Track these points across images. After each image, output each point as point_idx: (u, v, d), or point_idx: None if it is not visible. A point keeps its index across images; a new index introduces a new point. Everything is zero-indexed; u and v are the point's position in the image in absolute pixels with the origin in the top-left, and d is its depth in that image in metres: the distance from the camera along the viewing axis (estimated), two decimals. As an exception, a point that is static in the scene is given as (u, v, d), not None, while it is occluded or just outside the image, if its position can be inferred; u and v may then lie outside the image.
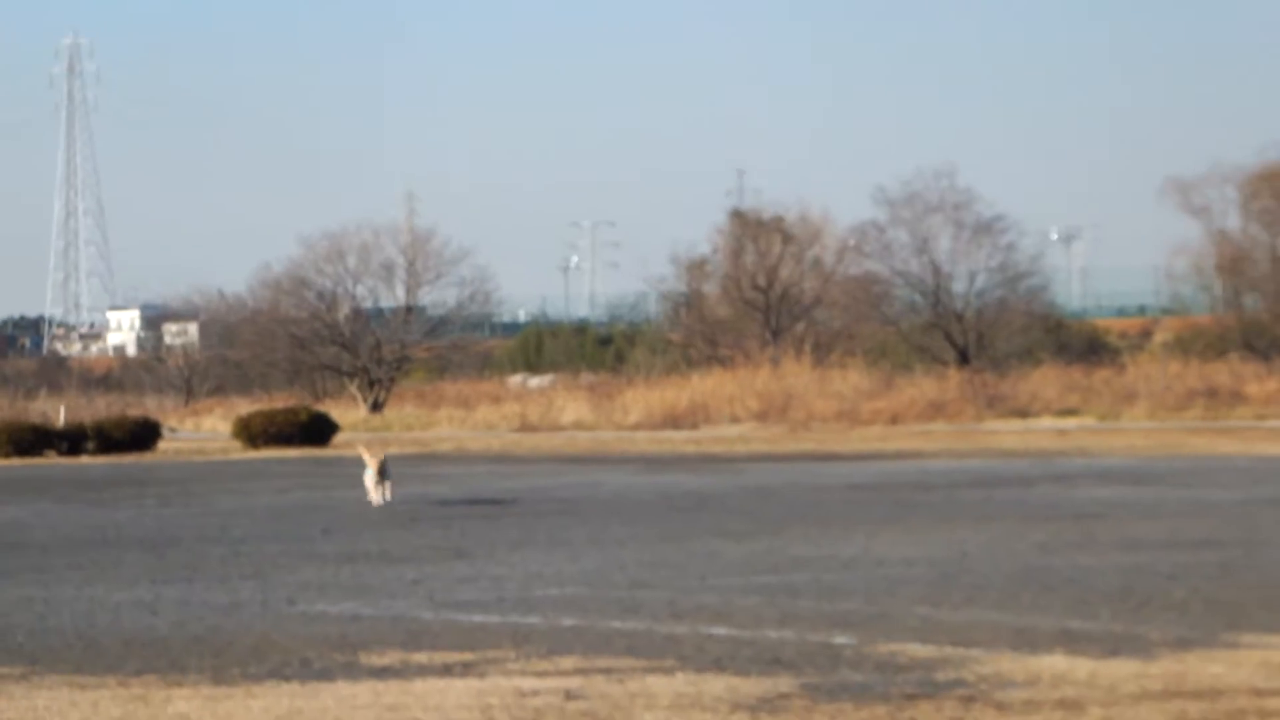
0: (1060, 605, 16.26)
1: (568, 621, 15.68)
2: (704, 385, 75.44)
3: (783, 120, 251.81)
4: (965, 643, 14.04)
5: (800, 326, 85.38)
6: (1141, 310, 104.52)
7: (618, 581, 18.84)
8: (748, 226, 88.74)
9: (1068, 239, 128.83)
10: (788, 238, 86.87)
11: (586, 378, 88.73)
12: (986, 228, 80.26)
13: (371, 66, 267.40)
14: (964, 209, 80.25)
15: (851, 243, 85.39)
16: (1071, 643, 13.92)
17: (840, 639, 14.36)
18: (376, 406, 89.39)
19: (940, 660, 13.20)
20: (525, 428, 74.11)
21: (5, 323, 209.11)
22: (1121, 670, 12.66)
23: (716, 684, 12.12)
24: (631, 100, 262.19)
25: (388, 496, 29.45)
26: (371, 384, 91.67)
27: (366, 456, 30.10)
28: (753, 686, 12.02)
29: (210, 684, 12.53)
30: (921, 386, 71.66)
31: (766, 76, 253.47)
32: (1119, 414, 64.64)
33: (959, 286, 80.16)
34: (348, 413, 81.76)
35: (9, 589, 19.14)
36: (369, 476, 29.61)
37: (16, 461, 55.21)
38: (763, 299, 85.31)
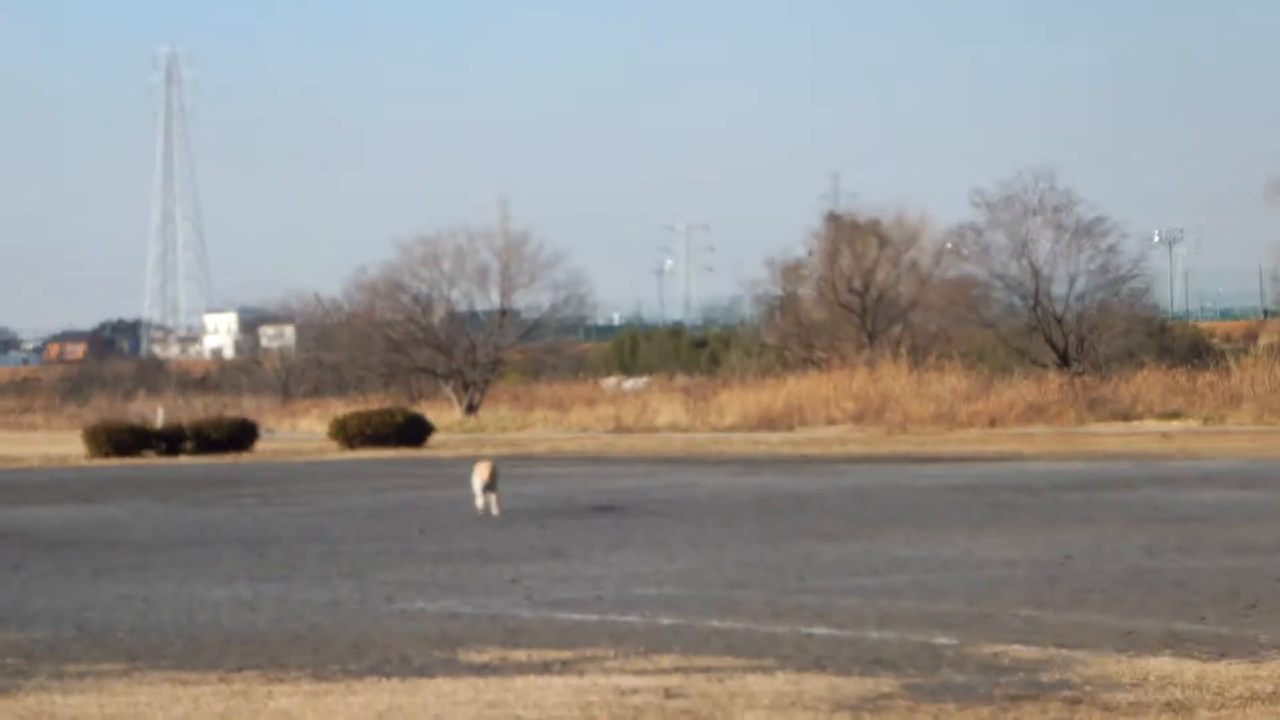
0: (1167, 608, 16.05)
1: (666, 621, 15.60)
2: (800, 387, 75.21)
3: (879, 123, 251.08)
4: (1070, 644, 13.87)
5: (897, 329, 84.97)
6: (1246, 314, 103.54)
7: (716, 581, 18.74)
8: (843, 229, 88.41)
9: (1170, 241, 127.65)
10: (884, 240, 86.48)
11: (681, 380, 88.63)
12: (1087, 230, 79.58)
13: (463, 70, 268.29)
14: (1064, 211, 79.60)
15: (949, 245, 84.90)
16: (1178, 645, 13.73)
17: (942, 639, 14.21)
18: (471, 409, 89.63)
19: (1045, 661, 13.04)
20: (620, 430, 74.12)
21: (104, 326, 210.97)
22: (1230, 672, 12.47)
23: (818, 683, 12.01)
24: (726, 102, 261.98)
25: (495, 510, 28.21)
26: (466, 386, 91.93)
27: (478, 467, 29.15)
28: (854, 686, 11.90)
29: (311, 680, 12.52)
30: (1021, 389, 71.17)
31: (862, 79, 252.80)
32: (1224, 417, 63.98)
33: (1059, 289, 79.49)
34: (443, 415, 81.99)
35: (110, 586, 19.24)
36: (477, 481, 28.69)
37: (116, 461, 55.62)
38: (859, 302, 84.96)
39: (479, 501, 28.59)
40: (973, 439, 59.16)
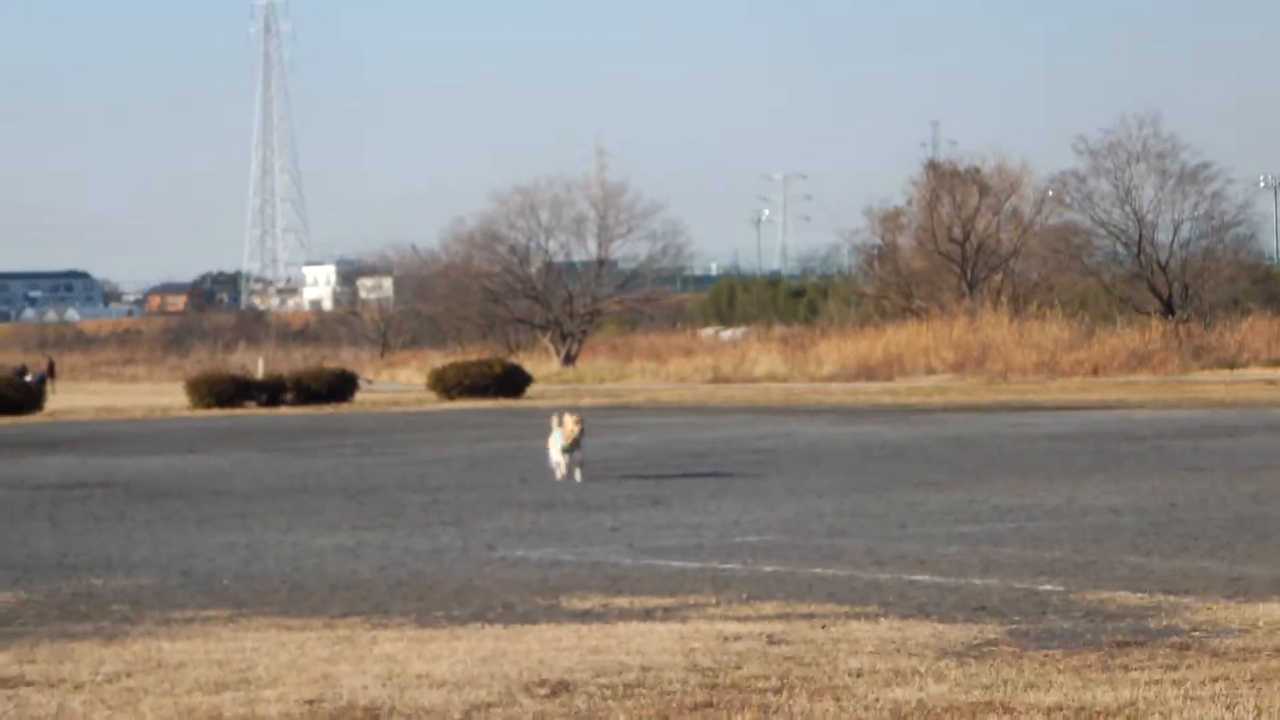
0: (1275, 554, 15.88)
1: (768, 568, 15.56)
2: (898, 337, 74.92)
3: (980, 69, 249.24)
4: (1178, 591, 13.74)
5: (997, 278, 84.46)
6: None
7: (817, 529, 18.69)
8: (943, 178, 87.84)
9: (1276, 187, 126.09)
10: (984, 188, 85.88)
11: (779, 330, 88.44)
12: (1191, 176, 78.83)
13: (560, 19, 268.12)
14: (1168, 157, 78.87)
15: (1051, 193, 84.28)
16: (1287, 592, 13.56)
17: (1047, 586, 14.11)
18: (569, 359, 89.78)
19: (1152, 608, 12.92)
20: (718, 379, 74.09)
21: (204, 278, 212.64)
22: (1340, 619, 12.30)
23: (922, 630, 11.95)
24: (824, 52, 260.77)
25: (577, 477, 24.60)
26: (564, 337, 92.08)
27: (556, 423, 25.12)
28: (959, 633, 11.83)
29: (415, 626, 12.56)
30: (1124, 337, 70.65)
31: (961, 24, 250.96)
32: (1330, 364, 63.32)
33: (1163, 236, 78.83)
34: (540, 365, 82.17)
35: (215, 535, 19.38)
36: (554, 444, 25.01)
37: (217, 412, 56.03)
38: (959, 250, 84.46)
39: (557, 465, 25.01)
40: (1075, 388, 58.77)
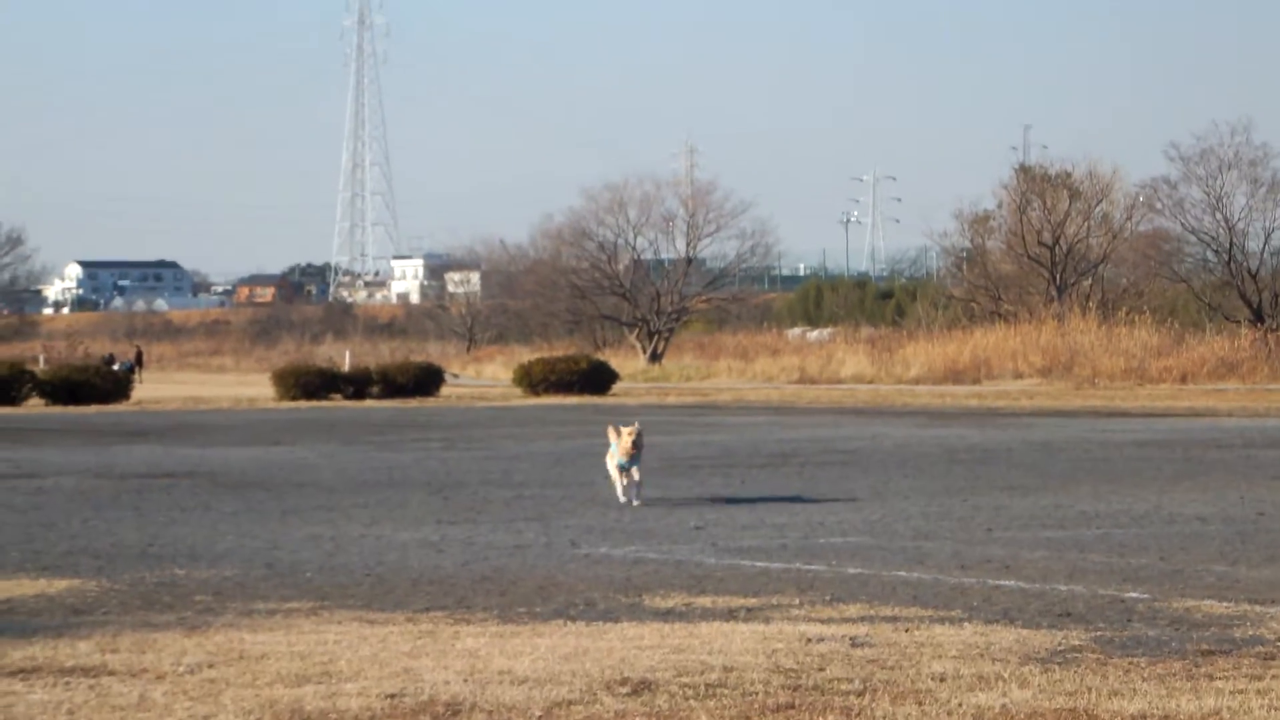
0: (1364, 566, 15.67)
1: (852, 570, 15.48)
2: (986, 340, 74.55)
3: (1072, 74, 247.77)
4: (1264, 600, 13.59)
5: (1086, 283, 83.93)
6: None
7: (902, 532, 18.59)
8: (1034, 182, 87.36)
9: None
10: (1075, 193, 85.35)
11: (866, 331, 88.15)
12: (1283, 184, 78.23)
13: (655, 19, 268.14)
14: (1260, 165, 78.28)
15: (1141, 199, 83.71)
16: (1378, 604, 13.39)
17: (1133, 594, 13.98)
18: (655, 357, 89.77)
19: (1238, 617, 12.78)
20: (804, 380, 73.92)
21: (293, 270, 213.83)
22: None
23: (1006, 635, 11.85)
24: (916, 53, 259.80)
25: (635, 499, 21.42)
26: (651, 334, 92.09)
27: (613, 437, 21.71)
28: (1043, 639, 11.73)
29: (497, 622, 12.55)
30: (1213, 345, 70.05)
31: (1053, 32, 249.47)
32: None
33: (1254, 244, 78.30)
34: (627, 362, 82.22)
35: (299, 527, 19.44)
36: (612, 462, 21.81)
37: (304, 404, 56.30)
38: (1048, 254, 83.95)
39: (617, 484, 21.78)
40: (1163, 394, 58.30)
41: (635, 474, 21.49)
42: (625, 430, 21.41)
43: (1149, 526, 19.12)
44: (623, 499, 21.45)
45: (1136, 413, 46.60)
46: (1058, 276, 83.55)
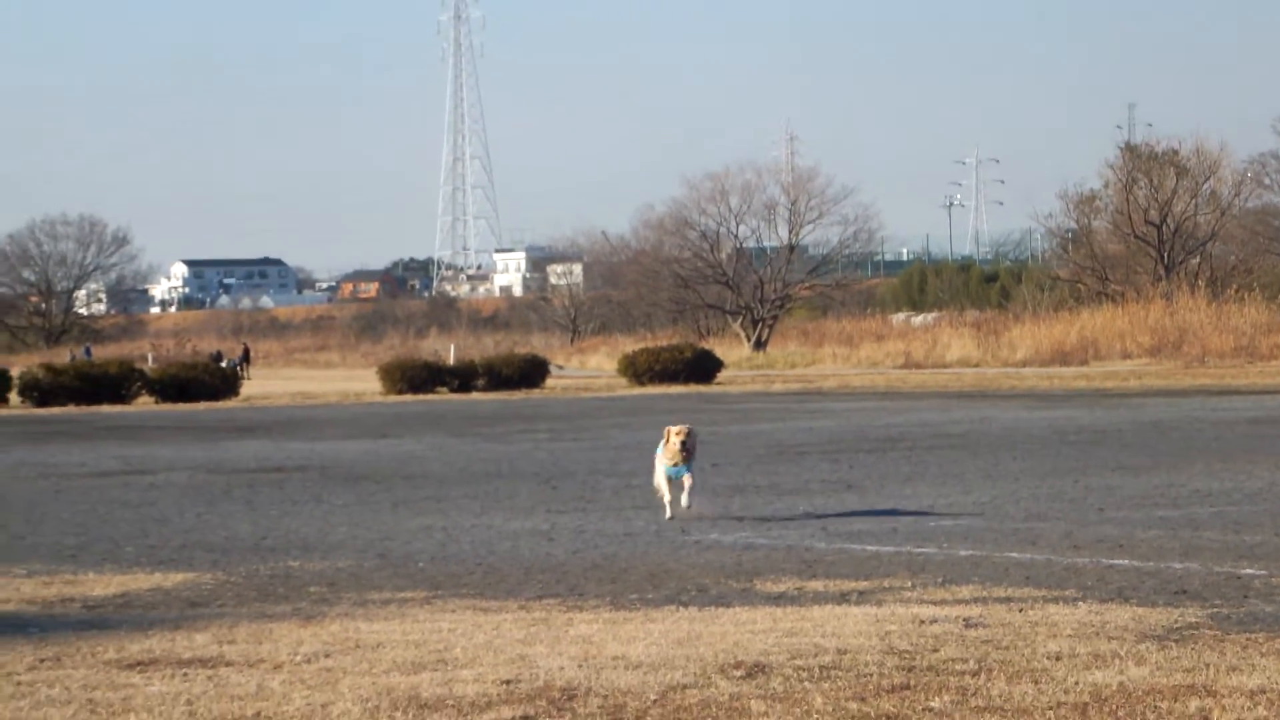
0: None
1: (964, 552, 15.41)
2: (1094, 321, 74.06)
3: (1175, 52, 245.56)
4: (1385, 576, 13.42)
5: (1194, 261, 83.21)
6: None
7: (1013, 514, 18.49)
8: (1139, 160, 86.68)
9: None
10: (1182, 170, 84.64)
11: (971, 315, 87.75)
12: (1397, 157, 77.32)
13: (754, 4, 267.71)
14: (1372, 138, 77.33)
15: (1249, 175, 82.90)
16: None
17: (1249, 570, 13.85)
18: (760, 344, 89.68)
19: (1359, 593, 12.62)
20: (909, 365, 73.64)
21: (396, 265, 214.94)
22: None
23: (1121, 614, 11.77)
24: (1018, 34, 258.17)
25: (687, 504, 18.33)
26: (755, 322, 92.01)
27: (666, 441, 18.57)
28: (1159, 616, 11.64)
29: (609, 609, 12.58)
30: (1324, 321, 69.33)
31: (1157, 8, 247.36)
32: None
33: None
34: (731, 350, 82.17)
35: (410, 518, 19.54)
36: (660, 469, 18.66)
37: (410, 398, 56.57)
38: (1155, 233, 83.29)
39: (664, 495, 18.59)
40: (1274, 372, 57.71)
41: (686, 482, 18.26)
42: (674, 431, 18.38)
43: (1263, 503, 18.93)
44: (669, 514, 18.22)
45: (1247, 390, 46.14)
46: (1165, 255, 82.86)
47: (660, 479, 18.56)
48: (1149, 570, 13.98)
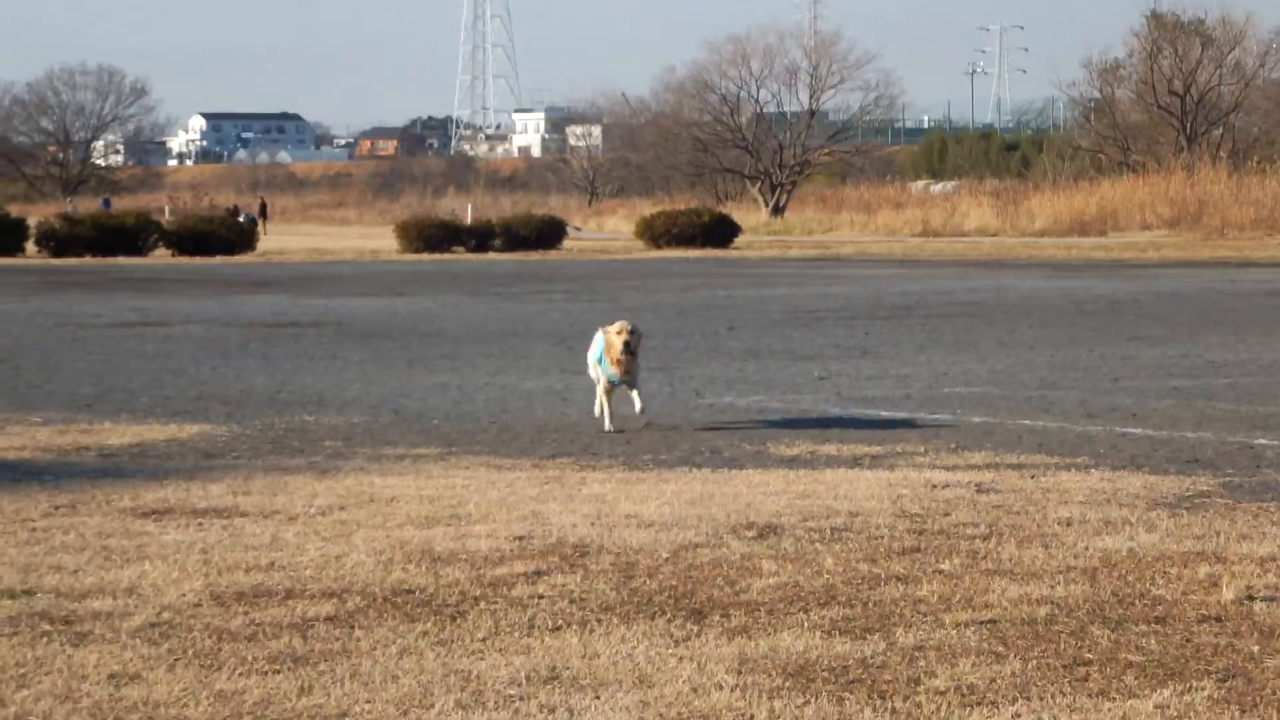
0: None
1: (977, 419, 15.43)
2: (1114, 192, 73.78)
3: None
4: (1398, 450, 13.43)
5: (1217, 132, 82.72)
6: None
7: (1027, 382, 18.49)
8: (1165, 29, 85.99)
9: None
10: (1207, 40, 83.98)
11: (991, 184, 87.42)
12: None
13: None
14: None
15: (1275, 46, 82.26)
16: None
17: (1262, 440, 13.86)
18: (777, 210, 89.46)
19: (1371, 466, 12.64)
20: (927, 233, 73.48)
21: (414, 123, 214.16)
22: None
23: (1133, 481, 11.79)
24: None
25: (637, 406, 14.89)
26: (773, 188, 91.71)
27: (607, 335, 15.06)
28: (1171, 485, 11.66)
29: (623, 469, 12.62)
30: (1346, 194, 69.02)
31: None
32: None
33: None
34: (749, 215, 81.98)
35: (424, 375, 19.58)
36: (597, 373, 15.13)
37: (426, 256, 56.57)
38: (1178, 104, 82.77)
39: (601, 404, 14.99)
40: (1293, 246, 57.53)
41: (635, 397, 14.91)
42: (612, 330, 14.96)
43: (1278, 375, 18.92)
44: (608, 426, 14.67)
45: (1266, 263, 46.03)
46: (1188, 126, 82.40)
47: (598, 383, 15.05)
48: (1162, 439, 14.00)
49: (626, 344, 14.75)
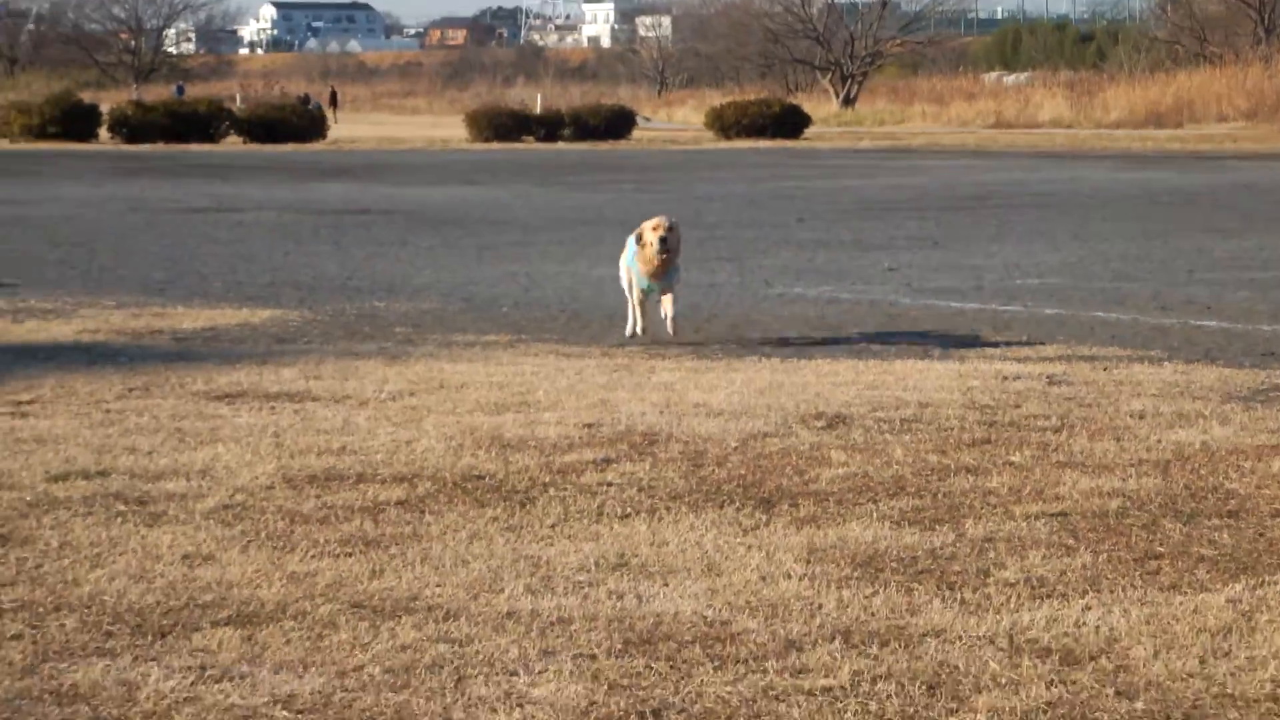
0: None
1: (1049, 311, 15.34)
2: (1190, 83, 73.00)
3: None
4: None
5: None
6: None
7: (1100, 274, 18.37)
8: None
9: None
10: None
11: (1065, 75, 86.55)
12: None
13: None
14: None
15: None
16: None
17: (1338, 337, 13.73)
18: (848, 101, 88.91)
19: None
20: (1000, 125, 72.95)
21: (484, 13, 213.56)
22: None
23: (1207, 374, 11.70)
24: None
25: (673, 331, 13.16)
26: (844, 79, 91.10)
27: (643, 231, 13.14)
28: (1246, 378, 11.56)
29: (692, 358, 12.59)
30: None
31: None
32: None
33: None
34: (819, 106, 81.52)
35: (495, 264, 19.58)
36: (630, 278, 13.28)
37: (496, 146, 56.53)
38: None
39: (633, 310, 13.37)
40: (1371, 140, 56.89)
41: (668, 304, 13.19)
42: (649, 225, 13.14)
43: (1355, 271, 18.75)
44: (633, 330, 13.36)
45: (1343, 158, 45.53)
46: (1265, 17, 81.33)
47: (629, 287, 13.33)
48: (1237, 332, 13.89)
49: (663, 240, 12.90)
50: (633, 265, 13.18)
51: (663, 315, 13.26)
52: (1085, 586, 6.73)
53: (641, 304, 13.24)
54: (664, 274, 13.02)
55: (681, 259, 13.33)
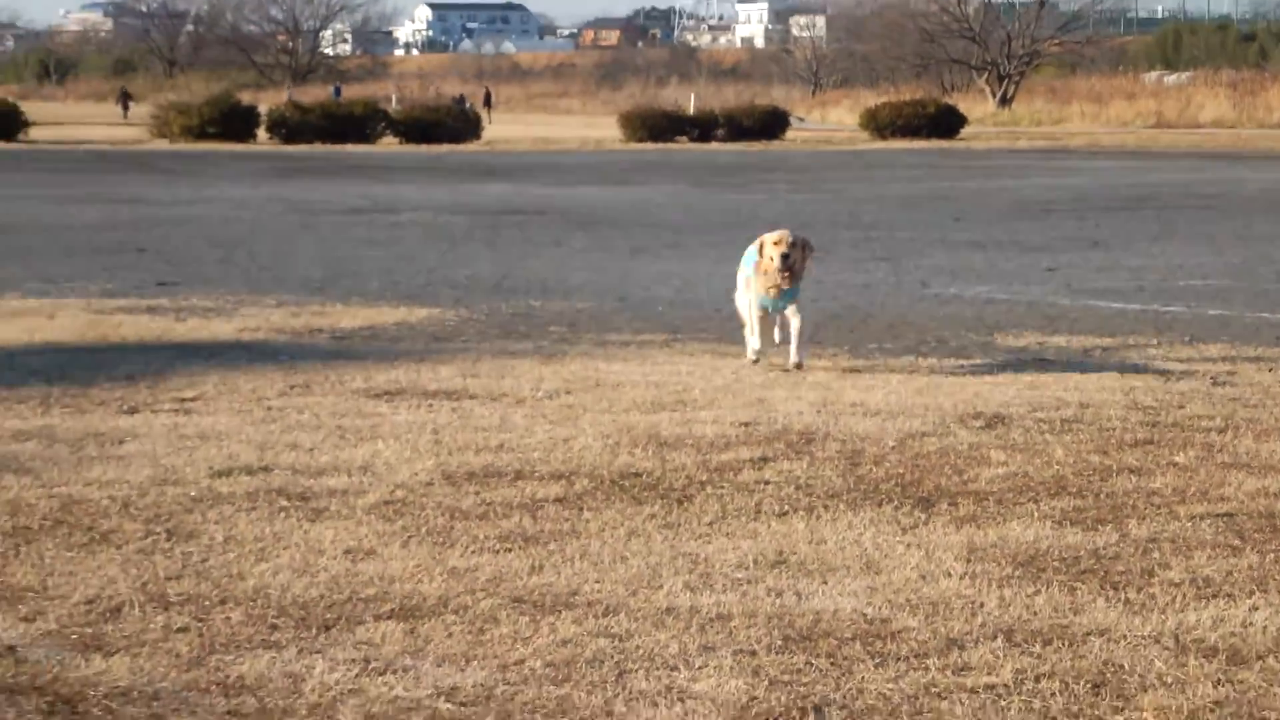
0: None
1: (1212, 311, 15.14)
2: (1354, 83, 71.82)
3: None
4: None
5: None
6: None
7: (1264, 275, 18.11)
8: None
9: None
10: None
11: (1227, 75, 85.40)
12: None
13: None
14: None
15: None
16: None
17: None
18: (1005, 101, 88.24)
19: None
20: (1160, 124, 72.14)
21: (637, 13, 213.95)
22: None
23: (1375, 378, 11.50)
24: None
25: (797, 360, 11.75)
26: (1000, 78, 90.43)
27: (763, 244, 12.01)
28: None
29: (848, 357, 12.55)
30: None
31: None
32: None
33: None
34: (975, 106, 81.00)
35: (648, 263, 19.61)
36: (747, 298, 12.07)
37: (649, 146, 56.59)
38: None
39: (751, 329, 12.04)
40: None
41: (794, 324, 11.91)
42: (770, 239, 11.97)
43: None
44: (752, 356, 11.99)
45: None
46: None
47: (748, 309, 12.07)
48: (1404, 336, 13.64)
49: (785, 257, 11.68)
50: (749, 276, 11.96)
51: (778, 339, 12.03)
52: (1252, 587, 6.63)
53: (761, 321, 11.91)
54: (786, 289, 11.80)
55: (807, 278, 12.09)
